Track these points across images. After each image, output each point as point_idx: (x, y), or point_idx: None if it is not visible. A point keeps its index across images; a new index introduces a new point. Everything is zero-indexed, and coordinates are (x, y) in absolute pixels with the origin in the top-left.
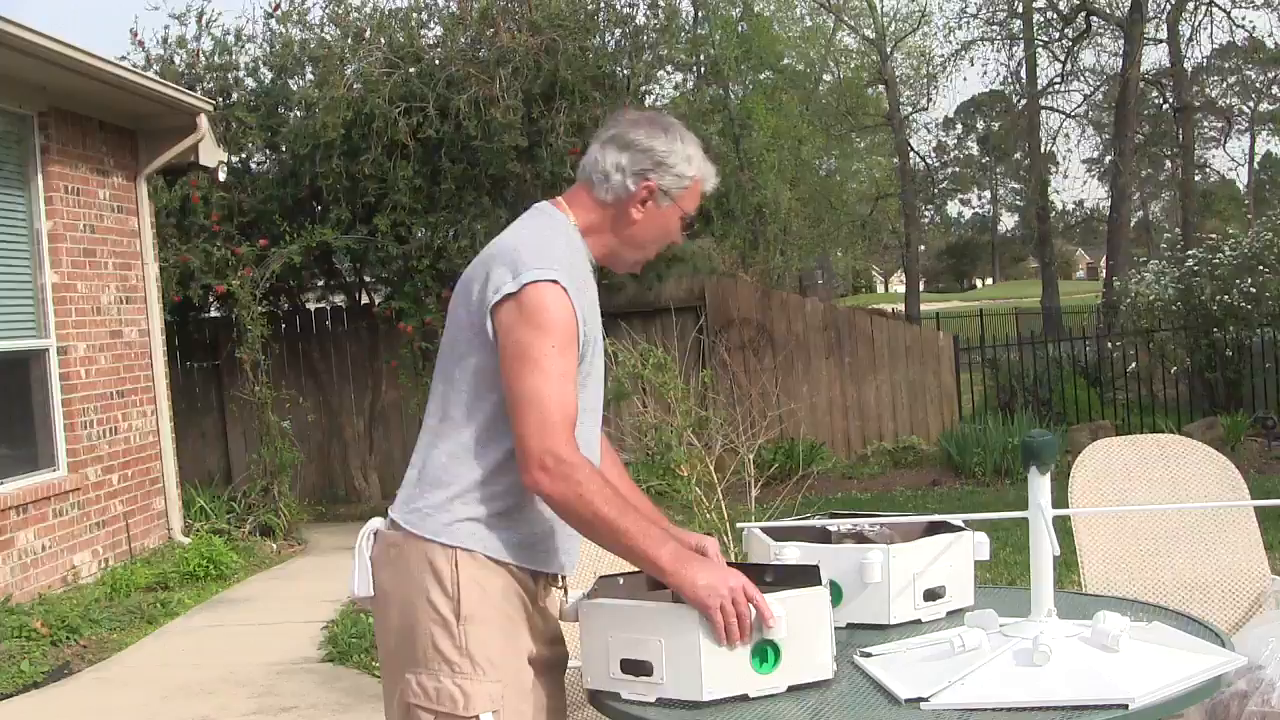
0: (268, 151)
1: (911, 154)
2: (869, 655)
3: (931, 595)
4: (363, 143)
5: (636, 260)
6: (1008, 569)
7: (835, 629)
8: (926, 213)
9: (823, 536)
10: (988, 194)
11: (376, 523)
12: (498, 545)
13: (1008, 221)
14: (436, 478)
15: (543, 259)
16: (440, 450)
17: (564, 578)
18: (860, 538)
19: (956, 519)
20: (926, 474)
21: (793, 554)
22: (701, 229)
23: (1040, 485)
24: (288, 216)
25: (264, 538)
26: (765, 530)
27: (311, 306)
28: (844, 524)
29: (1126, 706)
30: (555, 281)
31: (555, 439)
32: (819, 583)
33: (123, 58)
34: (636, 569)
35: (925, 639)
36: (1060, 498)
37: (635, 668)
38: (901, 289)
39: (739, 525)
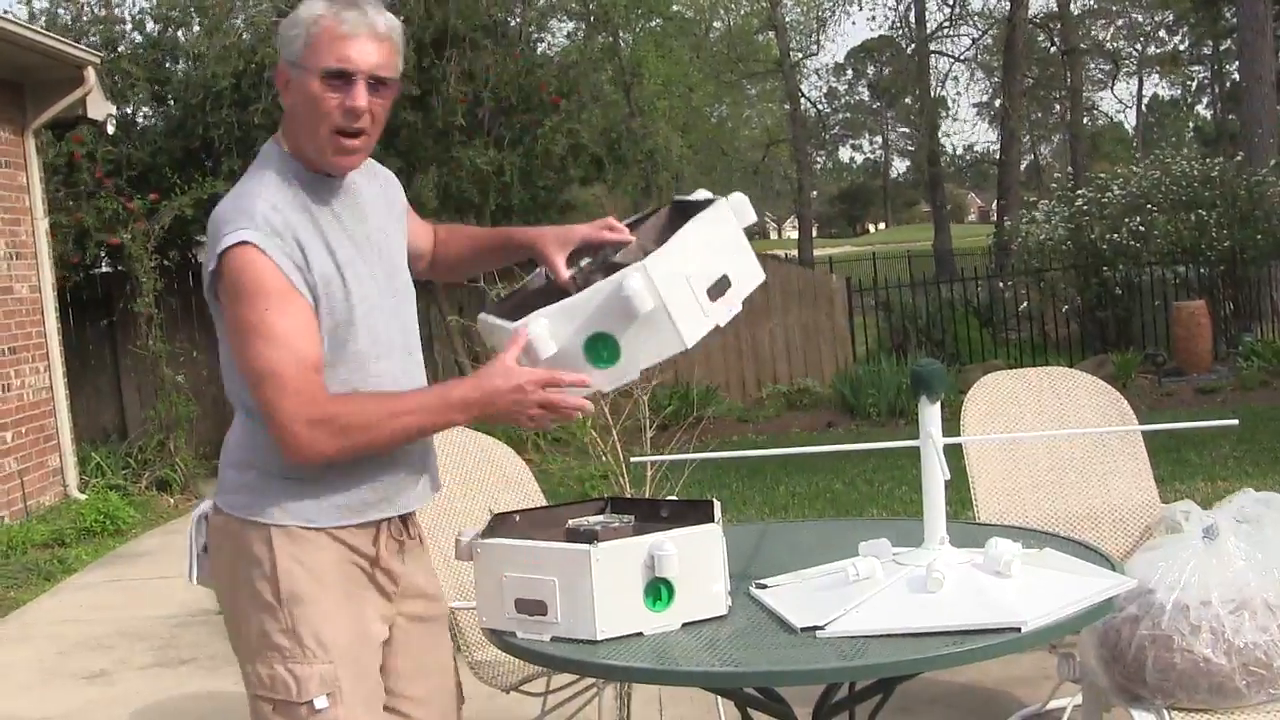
0: (155, 104)
1: (802, 100)
2: (764, 587)
3: (717, 290)
4: (253, 92)
5: (322, 150)
6: (904, 506)
7: (624, 367)
8: (818, 159)
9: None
10: (879, 139)
11: (205, 506)
12: (311, 513)
13: (899, 166)
14: (237, 457)
15: (230, 220)
16: (235, 428)
17: (408, 522)
18: (610, 268)
19: (703, 199)
20: (822, 416)
21: (542, 326)
22: (593, 176)
23: (931, 414)
24: (178, 169)
25: (161, 492)
26: (501, 312)
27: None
28: (584, 262)
29: (1019, 630)
30: (242, 242)
31: (298, 404)
32: (713, 519)
33: (5, 12)
34: (533, 507)
35: (820, 570)
36: (953, 434)
37: (530, 607)
38: (795, 235)
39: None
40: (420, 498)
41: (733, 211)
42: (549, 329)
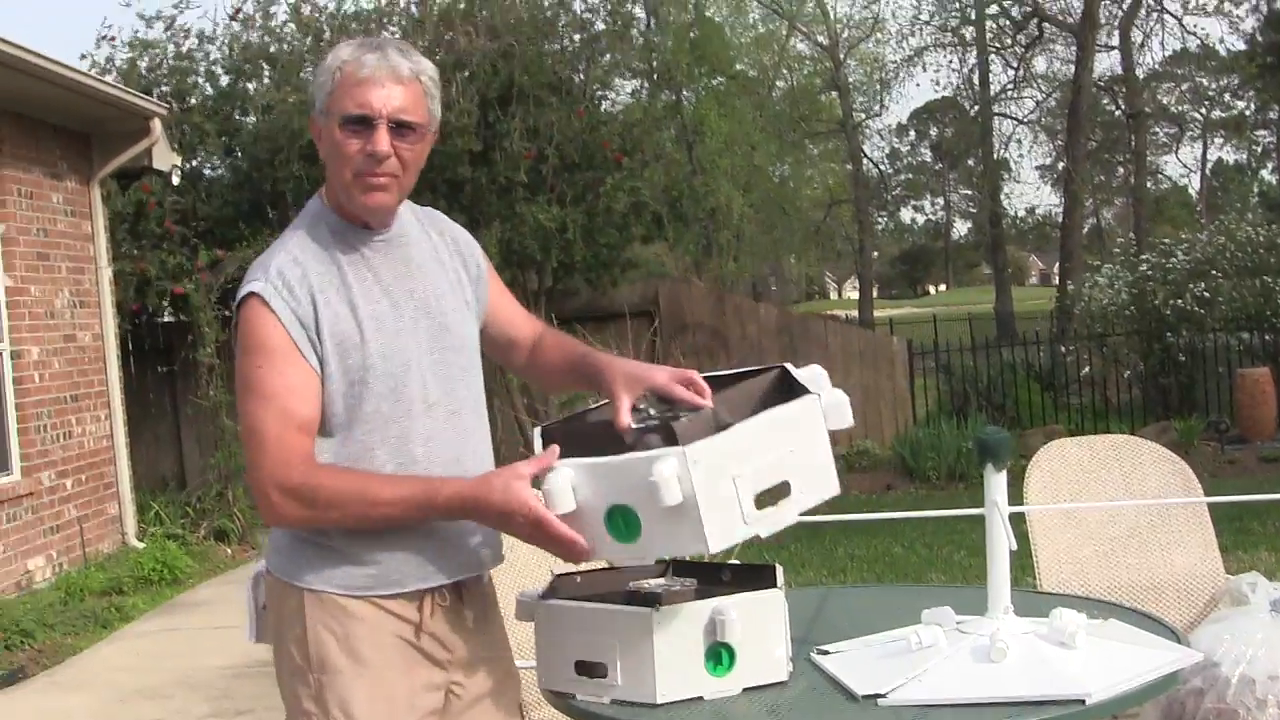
0: (224, 156)
1: (865, 160)
2: (825, 653)
3: (772, 497)
4: None
5: (350, 195)
6: (963, 571)
7: (642, 548)
8: (880, 219)
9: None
10: (941, 200)
11: (261, 564)
12: (344, 580)
13: (961, 228)
14: None
15: (250, 272)
16: None
17: (463, 589)
18: (667, 432)
19: (803, 380)
20: (881, 478)
21: (564, 479)
22: (654, 234)
23: (996, 482)
24: (244, 222)
25: (219, 542)
26: (554, 431)
27: None
28: (651, 409)
29: (1083, 702)
30: (252, 294)
31: (273, 466)
32: (775, 584)
33: (83, 56)
34: (594, 568)
35: (883, 636)
36: (1015, 501)
37: (590, 669)
38: (855, 295)
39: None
40: (472, 567)
41: (826, 411)
42: (573, 482)
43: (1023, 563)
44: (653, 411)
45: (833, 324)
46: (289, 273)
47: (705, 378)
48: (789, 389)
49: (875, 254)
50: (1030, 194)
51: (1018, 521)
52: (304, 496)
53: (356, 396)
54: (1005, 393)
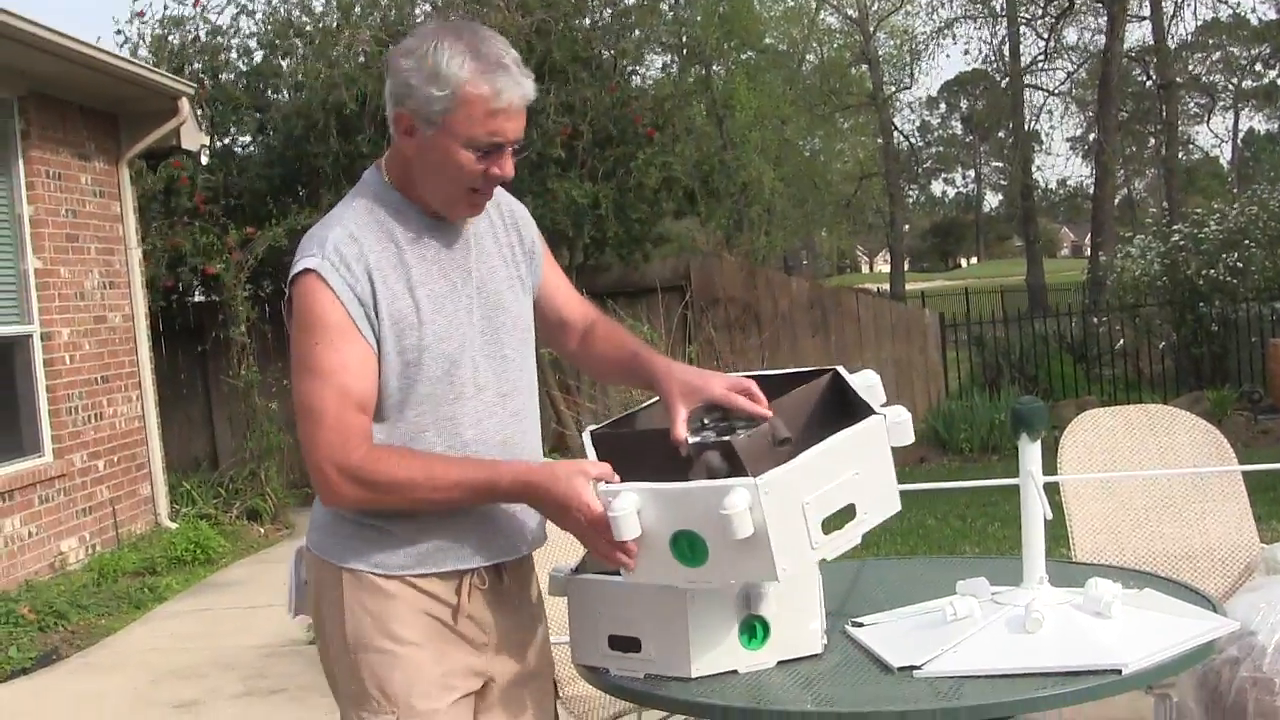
0: (256, 133)
1: (895, 133)
2: (860, 625)
3: (838, 521)
4: (358, 121)
5: (452, 205)
6: (997, 542)
7: (708, 573)
8: (911, 192)
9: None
10: (971, 173)
11: (304, 540)
12: (382, 559)
13: (992, 200)
14: None
15: (305, 247)
16: None
17: (503, 570)
18: (726, 451)
19: (860, 388)
20: (914, 451)
21: (630, 505)
22: (685, 209)
23: (1030, 452)
24: (275, 199)
25: (251, 522)
26: (606, 439)
27: None
28: (707, 419)
29: (1120, 672)
30: (308, 270)
31: (332, 445)
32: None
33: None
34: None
35: (917, 608)
36: (1049, 471)
37: (623, 644)
38: (886, 269)
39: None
40: (513, 549)
41: (890, 429)
42: (638, 506)
43: (1057, 533)
44: (707, 421)
45: (864, 297)
46: (346, 249)
47: (755, 379)
48: (843, 397)
49: (906, 227)
50: (1061, 166)
51: (1052, 492)
52: (363, 478)
53: (410, 378)
54: (1038, 365)
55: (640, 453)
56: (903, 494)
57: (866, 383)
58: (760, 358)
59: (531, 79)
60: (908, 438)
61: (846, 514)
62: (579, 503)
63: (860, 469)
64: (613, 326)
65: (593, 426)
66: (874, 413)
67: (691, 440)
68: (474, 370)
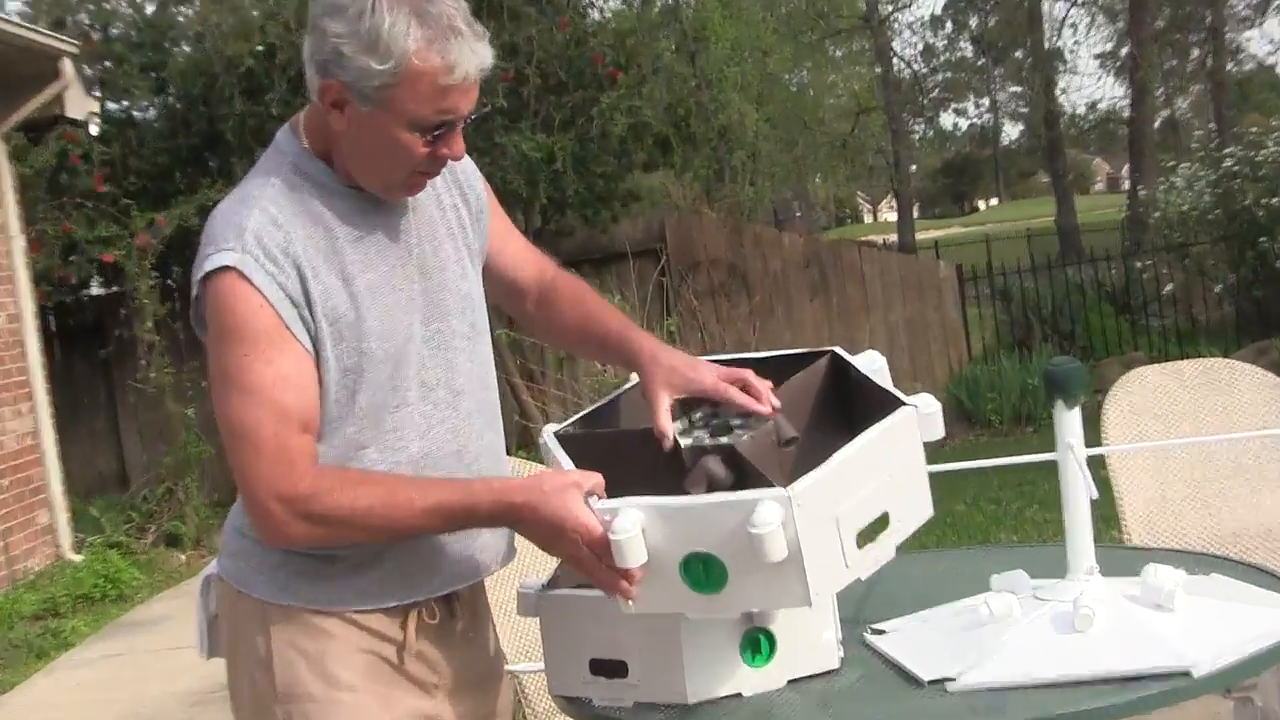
0: (153, 96)
1: (895, 60)
2: (881, 633)
3: (871, 532)
4: (266, 79)
5: (390, 188)
6: (1036, 528)
7: (725, 601)
8: (916, 127)
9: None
10: (986, 101)
11: (214, 566)
12: (317, 594)
13: (1011, 132)
14: (238, 515)
15: (218, 236)
16: None
17: (454, 600)
18: (730, 456)
19: (865, 369)
20: None
21: (634, 524)
22: (657, 160)
23: (1069, 421)
24: (182, 173)
25: (170, 549)
26: (575, 445)
27: None
28: (696, 414)
29: (1189, 674)
30: (225, 267)
31: (273, 474)
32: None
33: None
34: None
35: (947, 609)
36: (1093, 443)
37: (608, 668)
38: (893, 217)
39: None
40: (469, 574)
41: (921, 422)
42: (642, 525)
43: (1105, 514)
44: (695, 418)
45: (869, 251)
46: (269, 238)
47: (743, 364)
48: (845, 383)
49: (913, 168)
50: (1090, 87)
51: (1097, 466)
52: (315, 512)
53: (350, 388)
54: (1074, 319)
55: (616, 458)
56: (929, 475)
57: (872, 365)
58: (751, 327)
59: (486, 40)
60: (938, 431)
61: (879, 524)
62: (575, 523)
63: (894, 471)
64: (576, 286)
65: (554, 426)
66: (899, 402)
67: (683, 443)
68: (420, 368)
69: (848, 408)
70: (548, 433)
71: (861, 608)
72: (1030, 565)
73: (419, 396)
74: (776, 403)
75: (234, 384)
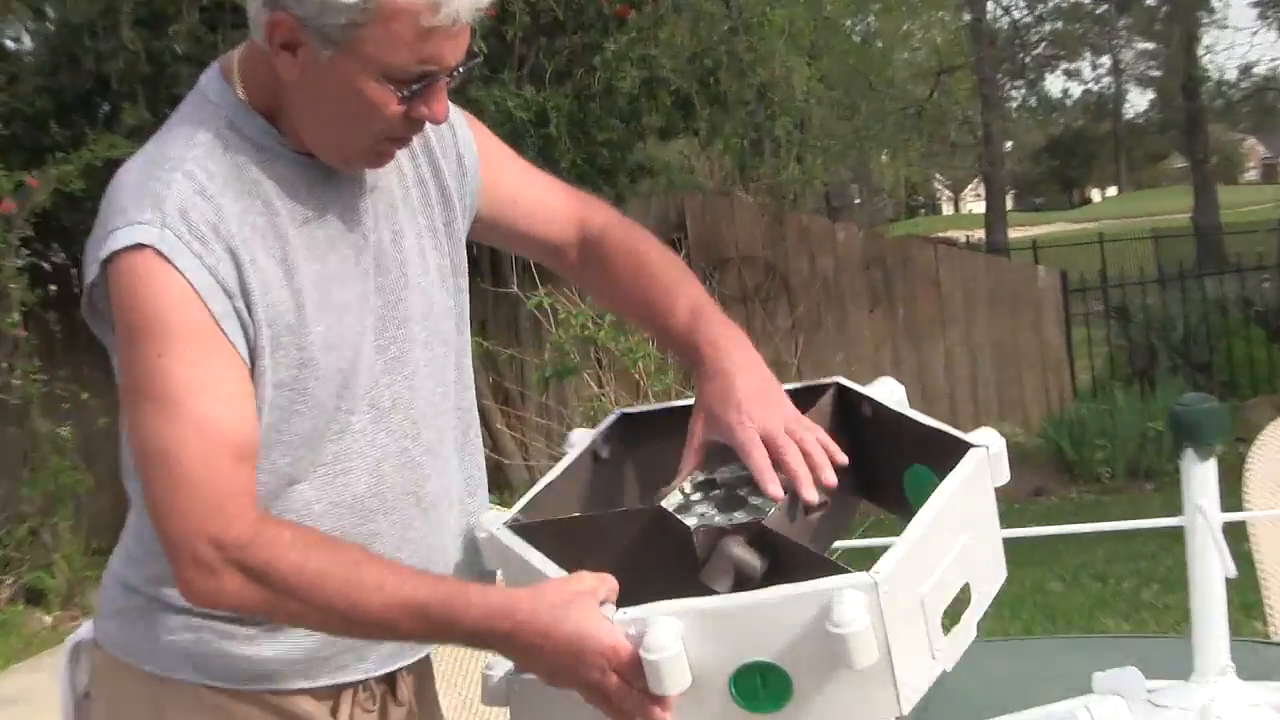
0: (30, 21)
1: (990, 6)
2: None
3: (953, 612)
4: (171, 5)
5: (348, 157)
6: (1154, 614)
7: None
8: (1014, 93)
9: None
10: (1106, 61)
11: (84, 630)
12: (228, 668)
13: (1138, 102)
14: (122, 566)
15: (127, 205)
16: (130, 521)
17: (396, 681)
18: (758, 537)
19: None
20: (1026, 479)
21: (670, 634)
22: (678, 125)
23: (1201, 476)
24: (64, 121)
25: (32, 606)
26: (539, 532)
27: None
28: (686, 488)
29: None
30: (138, 245)
31: (204, 513)
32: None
33: None
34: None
35: (1035, 715)
36: (1231, 505)
37: None
38: (980, 209)
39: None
40: (416, 648)
41: (987, 464)
42: (681, 634)
43: (1245, 600)
44: (688, 488)
45: (947, 251)
46: (196, 212)
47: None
48: (854, 421)
49: (1009, 145)
50: (1244, 45)
51: (1236, 536)
52: (253, 564)
53: (285, 409)
54: (1212, 345)
55: (589, 552)
56: (1012, 543)
57: (891, 397)
58: (792, 344)
59: None
60: (1004, 475)
61: (962, 599)
62: (598, 644)
63: (971, 531)
64: (631, 243)
65: (503, 515)
66: (951, 443)
67: (689, 523)
68: (372, 385)
69: (861, 449)
70: (494, 525)
71: (925, 709)
72: (1145, 662)
73: (369, 421)
74: (833, 480)
75: (147, 393)
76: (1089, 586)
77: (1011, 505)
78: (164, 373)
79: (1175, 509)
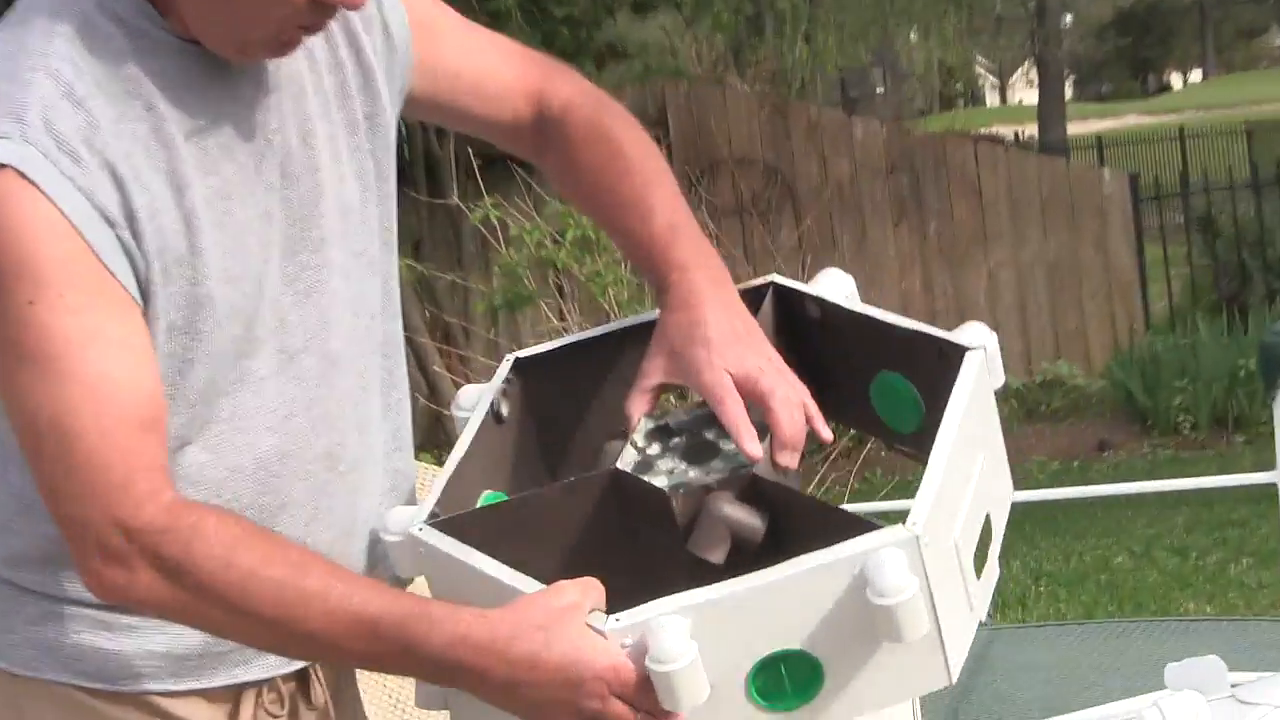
0: None
1: None
2: None
3: (982, 551)
4: None
5: (236, 43)
6: (1245, 594)
7: (822, 711)
8: None
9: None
10: None
11: None
12: (106, 664)
13: None
14: None
15: None
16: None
17: (309, 679)
18: (749, 490)
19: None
20: (1087, 429)
21: (679, 637)
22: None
23: None
24: None
25: None
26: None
27: None
28: (638, 440)
29: None
30: (3, 165)
31: (109, 494)
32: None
33: None
34: None
35: (1097, 714)
36: None
37: None
38: (1033, 100)
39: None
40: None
41: (980, 372)
42: (691, 632)
43: None
44: (640, 439)
45: (991, 150)
46: (65, 121)
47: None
48: (797, 318)
49: (1068, 19)
50: None
51: None
52: (168, 555)
53: (178, 355)
54: None
55: (531, 539)
56: (1075, 506)
57: (841, 291)
58: (799, 265)
59: None
60: (999, 378)
61: (986, 535)
62: (595, 668)
63: (984, 450)
64: (598, 130)
65: (414, 511)
66: (947, 343)
67: (658, 483)
68: (279, 325)
69: (815, 365)
70: (413, 525)
71: (962, 701)
72: (1229, 650)
73: (275, 367)
74: (828, 435)
75: (20, 351)
76: (1164, 561)
77: (1070, 463)
78: (39, 324)
79: (1270, 465)
